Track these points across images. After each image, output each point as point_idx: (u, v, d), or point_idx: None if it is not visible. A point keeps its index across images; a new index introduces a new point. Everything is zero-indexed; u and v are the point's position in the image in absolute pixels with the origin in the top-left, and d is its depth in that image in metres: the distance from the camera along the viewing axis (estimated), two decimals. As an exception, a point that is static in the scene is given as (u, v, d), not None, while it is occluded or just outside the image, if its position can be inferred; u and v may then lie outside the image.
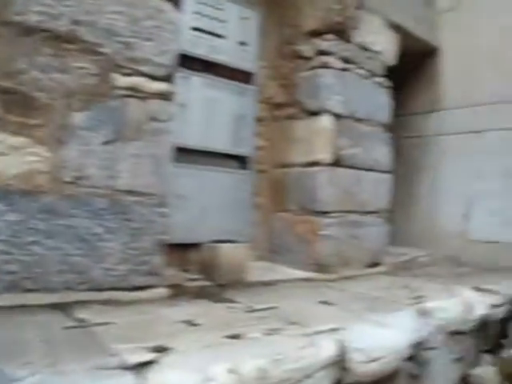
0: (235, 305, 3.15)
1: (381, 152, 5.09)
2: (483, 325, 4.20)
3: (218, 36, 4.33)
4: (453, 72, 6.30)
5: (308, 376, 2.30)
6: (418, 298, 3.70)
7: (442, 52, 6.39)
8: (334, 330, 2.66)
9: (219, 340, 2.32)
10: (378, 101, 5.07)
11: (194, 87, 4.11)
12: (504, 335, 4.80)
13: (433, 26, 6.27)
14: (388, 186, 5.19)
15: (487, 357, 4.47)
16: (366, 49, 4.97)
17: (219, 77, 4.31)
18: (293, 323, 2.71)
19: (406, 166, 6.45)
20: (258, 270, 4.18)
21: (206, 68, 4.23)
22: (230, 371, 2.00)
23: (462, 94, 6.17)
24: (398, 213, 6.19)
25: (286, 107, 4.81)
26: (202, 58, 4.20)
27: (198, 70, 4.16)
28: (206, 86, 4.20)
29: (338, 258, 4.53)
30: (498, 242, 5.69)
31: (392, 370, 2.94)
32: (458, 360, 3.96)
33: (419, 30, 5.98)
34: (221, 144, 4.28)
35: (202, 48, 4.20)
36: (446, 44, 6.34)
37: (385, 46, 5.25)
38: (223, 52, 4.35)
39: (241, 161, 4.46)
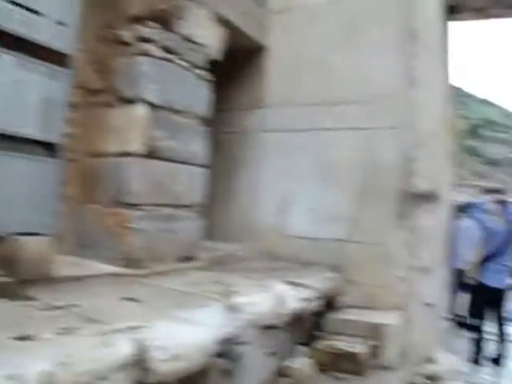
0: (33, 302, 2.91)
1: (198, 145, 5.02)
2: (297, 318, 4.32)
3: (35, 12, 4.00)
4: (278, 72, 6.43)
5: (103, 378, 2.16)
6: (230, 293, 3.67)
7: (269, 51, 6.49)
8: (135, 328, 2.55)
9: (5, 342, 2.11)
10: (198, 93, 4.99)
11: (-1, 65, 3.76)
12: (318, 327, 4.99)
13: (262, 25, 6.35)
14: (204, 180, 5.13)
15: (303, 349, 4.65)
16: (189, 40, 4.87)
17: (30, 56, 3.94)
18: (92, 321, 2.56)
19: (226, 161, 6.50)
20: (66, 265, 3.90)
21: (17, 45, 3.86)
22: (10, 377, 1.82)
23: (286, 93, 6.33)
24: (217, 207, 6.25)
25: (101, 94, 4.57)
26: (13, 33, 3.82)
27: (6, 46, 3.81)
28: (14, 64, 3.81)
29: (150, 253, 4.39)
30: (311, 238, 5.92)
31: (200, 367, 2.88)
32: (273, 354, 4.05)
33: (248, 28, 6.02)
34: (27, 129, 3.88)
35: (13, 22, 3.83)
36: (273, 44, 6.46)
37: (210, 39, 5.20)
38: (38, 30, 3.98)
39: (49, 148, 4.07)
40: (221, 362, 3.21)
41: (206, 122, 5.14)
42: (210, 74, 5.17)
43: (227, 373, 3.31)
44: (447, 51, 6.55)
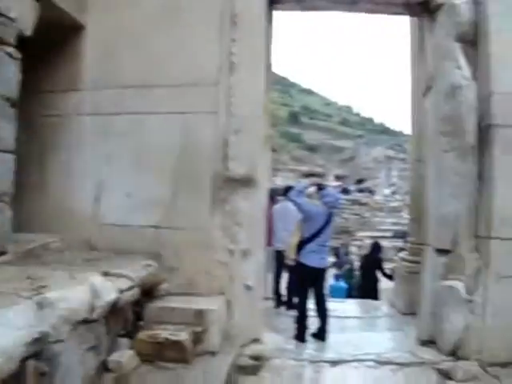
0: None
1: (5, 129, 4.57)
2: (115, 310, 4.21)
3: None
4: (97, 52, 6.19)
5: None
6: (41, 289, 3.44)
7: (88, 30, 6.20)
8: None
9: None
10: (5, 73, 4.53)
11: None
12: (139, 317, 4.91)
13: (81, 3, 6.04)
14: (12, 167, 4.69)
15: (125, 341, 4.59)
16: (-2, 13, 4.43)
17: None
18: None
19: (43, 146, 6.16)
20: None
21: None
22: None
23: (104, 75, 6.12)
24: (32, 196, 5.91)
25: None
26: None
27: None
28: None
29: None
30: (128, 226, 5.84)
31: (10, 372, 2.70)
32: (92, 348, 3.90)
33: (65, 4, 5.66)
34: None
35: None
36: (93, 23, 6.18)
37: (21, 13, 4.74)
38: None
39: None
40: (35, 363, 3.04)
41: (16, 104, 4.70)
42: (18, 52, 4.69)
43: (45, 374, 3.14)
44: (270, 39, 6.65)
